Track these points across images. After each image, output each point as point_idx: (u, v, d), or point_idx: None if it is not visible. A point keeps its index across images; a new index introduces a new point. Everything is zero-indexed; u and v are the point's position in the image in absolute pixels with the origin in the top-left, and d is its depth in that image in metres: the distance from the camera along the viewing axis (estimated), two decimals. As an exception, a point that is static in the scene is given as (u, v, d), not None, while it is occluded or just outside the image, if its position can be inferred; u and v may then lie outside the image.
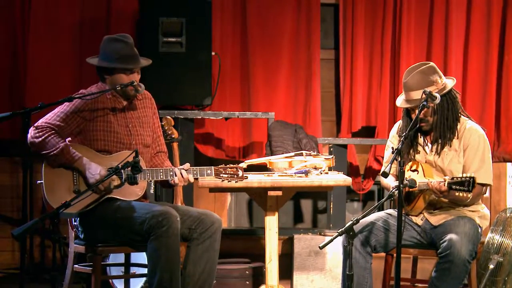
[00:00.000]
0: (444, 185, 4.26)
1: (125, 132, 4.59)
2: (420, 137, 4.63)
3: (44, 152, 4.40)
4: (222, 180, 4.51)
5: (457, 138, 4.54)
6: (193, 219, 4.53)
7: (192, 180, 4.51)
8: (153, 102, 4.79)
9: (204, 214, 4.56)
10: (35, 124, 4.43)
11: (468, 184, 4.16)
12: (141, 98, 4.72)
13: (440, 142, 4.54)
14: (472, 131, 4.53)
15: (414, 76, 4.49)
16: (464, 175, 4.22)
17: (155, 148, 4.74)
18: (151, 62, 4.70)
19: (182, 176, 4.47)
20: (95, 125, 4.54)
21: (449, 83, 4.55)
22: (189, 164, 4.54)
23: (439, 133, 4.53)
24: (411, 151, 4.63)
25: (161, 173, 4.50)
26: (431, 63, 4.57)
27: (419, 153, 4.62)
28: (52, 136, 4.41)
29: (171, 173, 4.49)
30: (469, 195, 4.26)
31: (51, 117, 4.48)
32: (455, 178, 4.24)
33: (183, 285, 4.47)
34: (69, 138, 4.50)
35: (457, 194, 4.24)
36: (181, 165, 4.64)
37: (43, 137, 4.40)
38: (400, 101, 4.59)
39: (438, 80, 4.50)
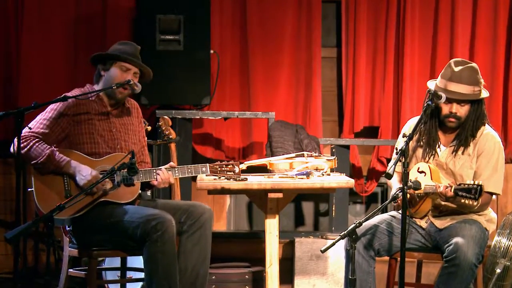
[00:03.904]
0: (451, 191, 4.20)
1: (109, 136, 4.56)
2: (435, 138, 4.57)
3: (32, 162, 4.37)
4: (219, 178, 4.50)
5: (473, 142, 4.50)
6: (182, 212, 4.51)
7: (172, 181, 4.51)
8: (140, 112, 4.78)
9: (193, 206, 4.54)
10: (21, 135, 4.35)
11: (475, 192, 4.12)
12: (128, 106, 4.70)
13: (458, 145, 4.50)
14: (488, 137, 4.50)
15: (466, 70, 4.44)
16: (472, 182, 4.16)
17: (139, 157, 4.70)
18: (152, 75, 4.68)
19: (164, 174, 4.45)
20: (80, 128, 4.50)
21: (483, 90, 4.52)
22: (173, 163, 4.54)
23: (462, 134, 4.49)
24: (426, 151, 4.56)
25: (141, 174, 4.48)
26: (475, 63, 4.55)
27: (433, 154, 4.55)
28: (37, 144, 4.37)
29: (154, 173, 4.47)
30: (475, 203, 4.20)
31: (34, 125, 4.45)
32: (462, 185, 4.20)
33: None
34: (55, 145, 4.45)
35: (463, 201, 4.19)
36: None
37: (28, 147, 4.36)
38: (435, 87, 4.49)
39: (482, 82, 4.49)
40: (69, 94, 4.51)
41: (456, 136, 4.52)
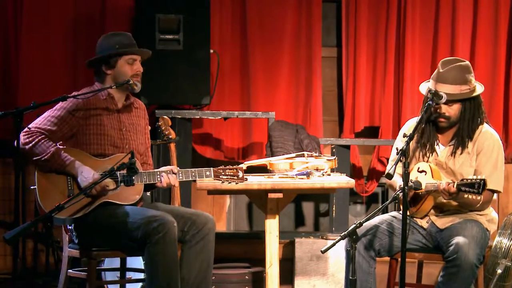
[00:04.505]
0: (453, 187, 4.18)
1: (119, 135, 4.52)
2: (432, 138, 4.55)
3: (35, 158, 4.32)
4: (222, 182, 4.45)
5: (471, 141, 4.48)
6: (185, 221, 4.46)
7: (176, 184, 4.48)
8: (146, 114, 4.75)
9: (196, 215, 4.50)
10: (25, 129, 4.33)
11: (479, 186, 4.09)
12: (137, 107, 4.67)
13: (457, 145, 4.48)
14: (487, 135, 4.47)
15: (452, 70, 4.42)
16: (474, 177, 4.15)
17: (143, 158, 4.67)
18: (150, 53, 4.66)
19: (170, 179, 4.42)
20: (88, 128, 4.46)
21: (478, 87, 4.49)
22: (174, 168, 4.49)
23: (458, 135, 4.48)
24: (425, 151, 4.55)
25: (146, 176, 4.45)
26: (468, 62, 4.51)
27: (432, 153, 4.53)
28: (43, 140, 4.33)
29: (158, 176, 4.43)
30: (479, 198, 4.18)
31: (41, 121, 4.40)
32: (465, 180, 4.17)
33: None
34: (61, 142, 4.41)
35: (466, 196, 4.17)
36: (179, 166, 4.58)
37: (33, 142, 4.31)
38: (426, 90, 4.50)
39: (472, 80, 4.46)
40: (77, 93, 4.47)
41: (454, 135, 4.50)
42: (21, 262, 6.14)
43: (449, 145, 4.51)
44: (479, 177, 4.12)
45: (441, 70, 4.42)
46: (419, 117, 4.30)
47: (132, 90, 4.52)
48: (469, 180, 4.14)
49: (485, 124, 4.51)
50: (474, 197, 4.13)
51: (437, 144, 4.54)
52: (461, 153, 4.46)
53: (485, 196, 4.26)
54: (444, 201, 4.40)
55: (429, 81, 4.53)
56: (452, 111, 4.42)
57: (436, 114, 4.42)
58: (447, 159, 4.49)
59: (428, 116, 4.47)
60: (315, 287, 5.93)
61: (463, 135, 4.46)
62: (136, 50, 4.54)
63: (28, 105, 4.22)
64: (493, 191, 4.42)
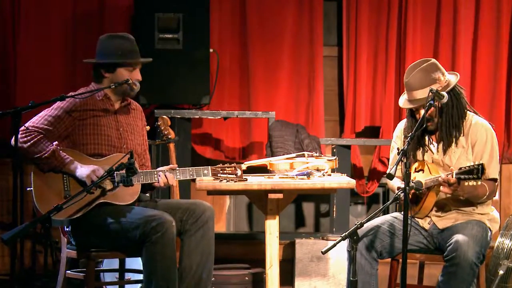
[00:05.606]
0: (452, 176, 4.16)
1: (116, 135, 4.53)
2: (426, 137, 4.54)
3: (35, 156, 4.32)
4: (220, 181, 4.45)
5: (463, 135, 4.46)
6: (183, 211, 4.47)
7: (174, 183, 4.47)
8: (143, 116, 4.76)
9: (194, 204, 4.51)
10: (21, 128, 4.32)
11: (477, 171, 4.08)
12: (134, 108, 4.68)
13: (446, 141, 4.46)
14: (478, 126, 4.45)
15: (416, 74, 4.42)
16: (471, 163, 4.13)
17: (141, 160, 4.67)
18: (151, 60, 4.66)
19: (167, 178, 4.41)
20: (85, 128, 4.46)
21: (452, 79, 4.47)
22: (173, 166, 4.50)
23: (445, 132, 4.46)
24: (418, 151, 4.54)
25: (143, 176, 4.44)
26: (433, 60, 4.48)
27: (426, 152, 4.53)
28: (41, 139, 4.34)
29: (155, 175, 4.43)
30: (479, 182, 4.14)
31: (38, 120, 4.41)
32: (462, 168, 4.15)
33: (181, 280, 4.41)
34: (56, 142, 4.41)
35: (466, 184, 4.14)
36: (178, 166, 4.57)
37: (32, 141, 4.32)
38: (403, 102, 4.53)
39: (440, 77, 4.42)
40: (74, 93, 4.47)
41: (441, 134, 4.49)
42: (19, 263, 6.10)
43: (440, 144, 4.50)
44: (476, 162, 4.11)
45: (405, 80, 4.43)
46: (421, 117, 4.24)
47: (130, 90, 4.51)
48: (467, 168, 4.12)
49: (474, 116, 4.50)
50: (474, 183, 4.11)
51: (431, 143, 4.53)
52: (452, 147, 4.44)
53: (490, 186, 4.31)
54: (445, 196, 4.37)
55: (405, 93, 4.53)
56: (433, 113, 4.39)
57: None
58: (442, 157, 4.48)
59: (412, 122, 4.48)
60: (316, 288, 5.94)
61: (445, 131, 4.43)
62: (137, 61, 4.53)
63: (26, 105, 4.21)
64: (495, 180, 4.41)
